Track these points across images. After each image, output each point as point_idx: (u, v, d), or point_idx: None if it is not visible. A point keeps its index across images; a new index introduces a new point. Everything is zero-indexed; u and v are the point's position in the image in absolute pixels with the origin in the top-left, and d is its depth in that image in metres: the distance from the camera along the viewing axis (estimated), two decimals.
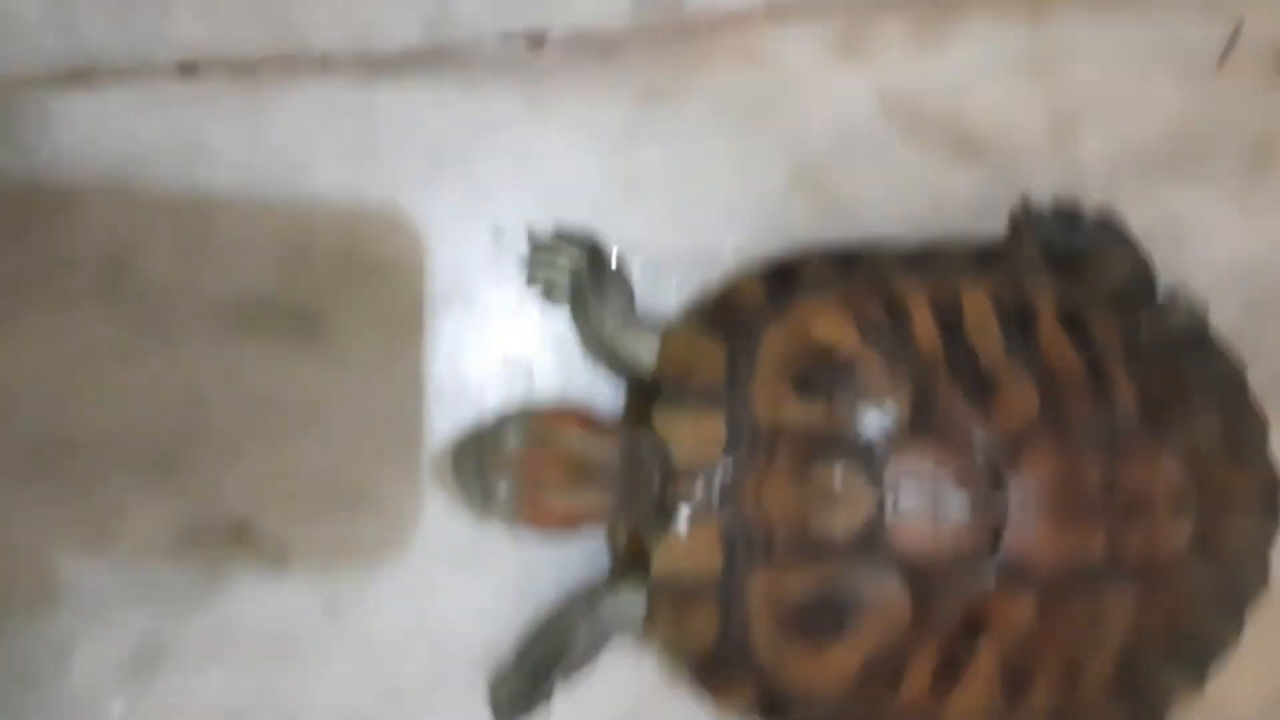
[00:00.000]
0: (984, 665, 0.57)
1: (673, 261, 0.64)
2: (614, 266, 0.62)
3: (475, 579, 0.63)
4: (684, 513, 0.55)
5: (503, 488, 0.54)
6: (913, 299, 0.58)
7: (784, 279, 0.59)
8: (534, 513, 0.55)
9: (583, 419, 0.56)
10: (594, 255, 0.62)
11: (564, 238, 0.63)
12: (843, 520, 0.54)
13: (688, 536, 0.55)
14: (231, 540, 0.61)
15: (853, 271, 0.60)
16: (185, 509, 0.61)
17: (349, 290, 0.62)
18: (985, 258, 0.62)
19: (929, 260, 0.61)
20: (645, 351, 0.59)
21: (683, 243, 0.64)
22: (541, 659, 0.60)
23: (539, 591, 0.62)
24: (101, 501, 0.61)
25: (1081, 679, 0.59)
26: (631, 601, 0.58)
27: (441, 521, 0.62)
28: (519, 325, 0.64)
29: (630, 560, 0.59)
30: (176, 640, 0.61)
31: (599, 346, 0.61)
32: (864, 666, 0.56)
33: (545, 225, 0.63)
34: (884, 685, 0.57)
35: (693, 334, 0.58)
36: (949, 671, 0.57)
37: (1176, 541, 0.59)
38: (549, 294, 0.63)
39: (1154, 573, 0.59)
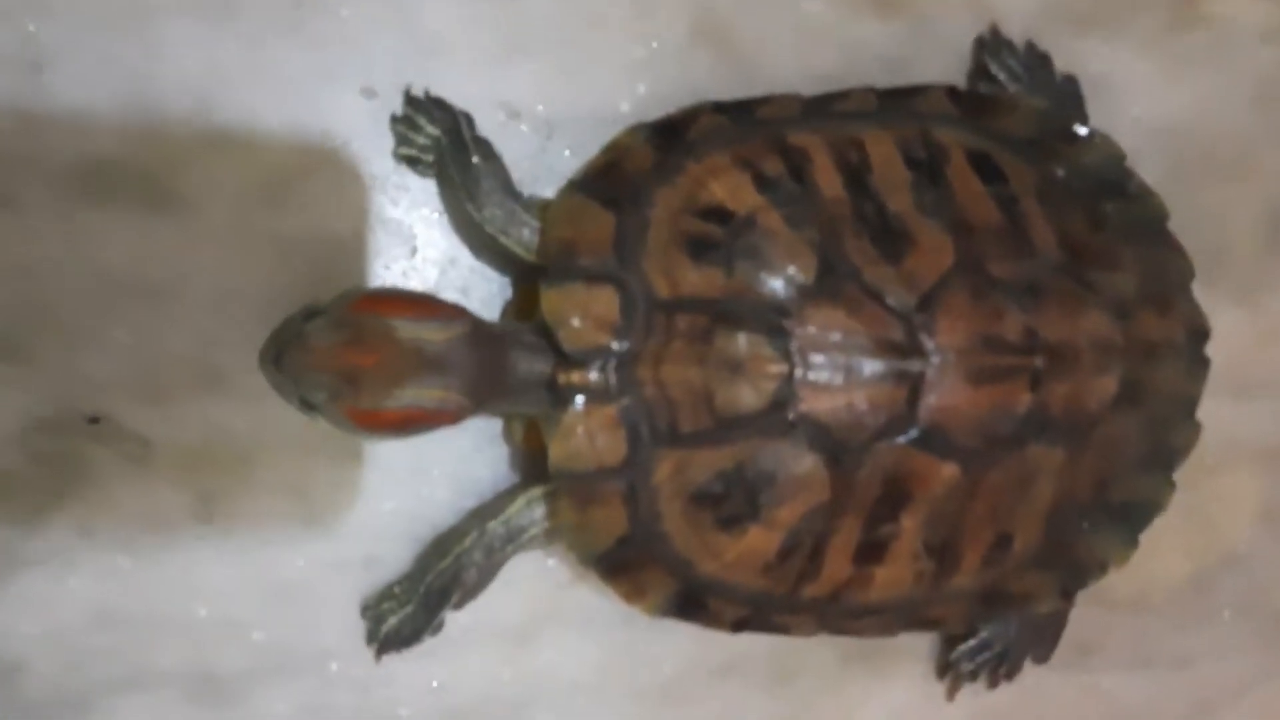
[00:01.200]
0: (908, 539, 0.54)
1: (564, 125, 0.58)
2: (481, 141, 0.55)
3: (360, 470, 0.57)
4: (579, 399, 0.50)
5: (317, 393, 0.46)
6: (813, 151, 0.54)
7: (672, 137, 0.54)
8: (361, 418, 0.46)
9: (413, 302, 0.48)
10: (457, 130, 0.55)
11: (425, 106, 0.56)
12: (750, 393, 0.50)
13: (585, 424, 0.50)
14: (87, 435, 0.54)
15: (747, 126, 0.55)
16: (31, 400, 0.54)
17: (205, 153, 0.55)
18: (889, 105, 0.58)
19: (828, 110, 0.57)
20: (526, 232, 0.54)
21: (575, 103, 0.58)
22: (433, 585, 0.55)
23: (433, 484, 0.58)
24: None
25: (1010, 548, 0.56)
26: (527, 509, 0.54)
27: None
28: (396, 195, 0.58)
29: (531, 459, 0.56)
30: (27, 548, 0.54)
31: (474, 231, 0.56)
32: (783, 547, 0.52)
33: (420, 84, 0.56)
34: (805, 566, 0.53)
35: (576, 204, 0.53)
36: (872, 548, 0.54)
37: (1103, 396, 0.56)
38: (416, 168, 0.56)
39: (1081, 430, 0.56)
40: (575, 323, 0.50)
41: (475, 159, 0.54)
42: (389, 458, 0.58)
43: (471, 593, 0.55)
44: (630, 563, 0.53)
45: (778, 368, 0.50)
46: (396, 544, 0.59)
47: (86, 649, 0.55)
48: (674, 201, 0.52)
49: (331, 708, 0.58)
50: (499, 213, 0.54)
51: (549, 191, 0.57)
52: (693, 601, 0.55)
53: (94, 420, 0.54)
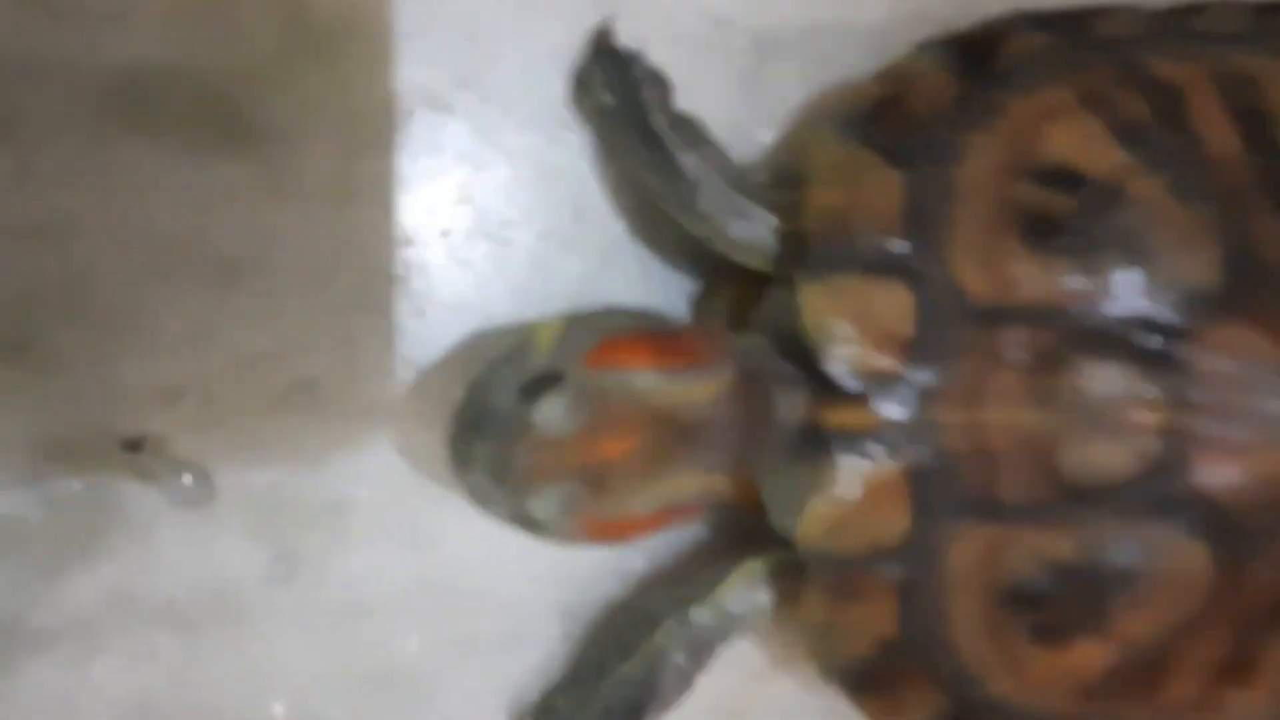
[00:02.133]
0: None
1: (786, 42, 0.45)
2: (683, 122, 0.41)
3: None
4: (848, 453, 0.36)
5: (547, 504, 0.34)
6: (1189, 88, 0.39)
7: (977, 62, 0.39)
8: (603, 531, 0.36)
9: (661, 345, 0.36)
10: (639, 107, 0.41)
11: (607, 62, 0.42)
12: (1117, 454, 0.35)
13: (855, 487, 0.36)
14: (123, 465, 0.42)
15: (1084, 49, 0.40)
16: (49, 417, 0.41)
17: (290, 64, 0.42)
18: (1268, 19, 0.42)
19: (1188, 29, 0.41)
20: (760, 230, 0.39)
21: (803, 9, 0.45)
22: (616, 696, 0.41)
23: None
24: None
25: None
26: (747, 593, 0.41)
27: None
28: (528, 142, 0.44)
29: (742, 520, 0.42)
30: (37, 622, 0.42)
31: (667, 227, 0.42)
32: (1116, 665, 0.38)
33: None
34: (1138, 689, 0.39)
35: (846, 157, 0.38)
36: (1240, 667, 0.39)
37: None
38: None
39: None
40: (848, 336, 0.36)
41: (678, 155, 0.40)
42: None
43: (666, 704, 0.41)
44: (888, 676, 0.39)
45: (1162, 418, 0.35)
46: (542, 619, 0.45)
47: None
48: (993, 155, 0.37)
49: None
50: (717, 212, 0.40)
51: (765, 134, 0.45)
52: None
53: (134, 445, 0.42)
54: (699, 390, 0.35)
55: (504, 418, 0.34)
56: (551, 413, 0.33)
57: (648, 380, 0.34)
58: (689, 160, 0.40)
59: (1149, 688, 0.39)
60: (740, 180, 0.40)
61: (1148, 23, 0.41)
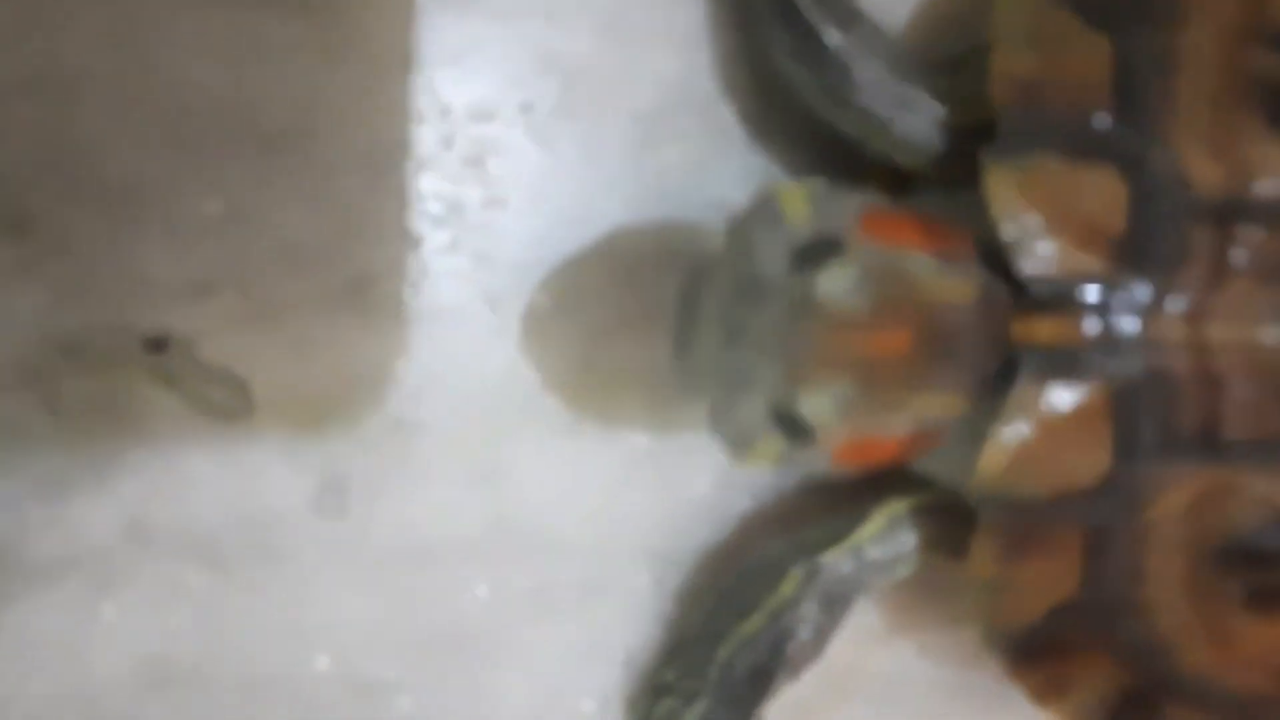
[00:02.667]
0: None
1: None
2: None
3: (570, 445, 0.39)
4: (1041, 374, 0.31)
5: (821, 403, 0.29)
6: None
7: None
8: (855, 451, 0.30)
9: (922, 221, 0.30)
10: None
11: None
12: None
13: (1046, 416, 0.31)
14: (146, 369, 0.36)
15: None
16: (61, 309, 0.36)
17: None
18: None
19: None
20: (925, 125, 0.34)
21: None
22: (740, 663, 0.36)
23: (692, 473, 0.40)
24: None
25: None
26: (891, 536, 0.36)
27: (498, 343, 0.38)
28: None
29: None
30: (41, 550, 0.36)
31: (830, 106, 0.36)
32: None
33: None
34: None
35: (1042, 14, 0.32)
36: None
37: None
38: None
39: None
40: (1046, 228, 0.30)
41: (825, 34, 0.34)
42: (622, 431, 0.39)
43: (797, 669, 0.36)
44: (1060, 644, 0.34)
45: None
46: (629, 567, 0.40)
47: (131, 717, 0.37)
48: (1222, 16, 0.32)
49: None
50: (880, 104, 0.34)
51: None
52: (1141, 706, 0.35)
53: (158, 345, 0.36)
54: (964, 289, 0.30)
55: (782, 288, 0.28)
56: (840, 286, 0.28)
57: (923, 265, 0.29)
58: (842, 42, 0.34)
59: None
60: (903, 64, 0.34)
61: None
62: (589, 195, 0.38)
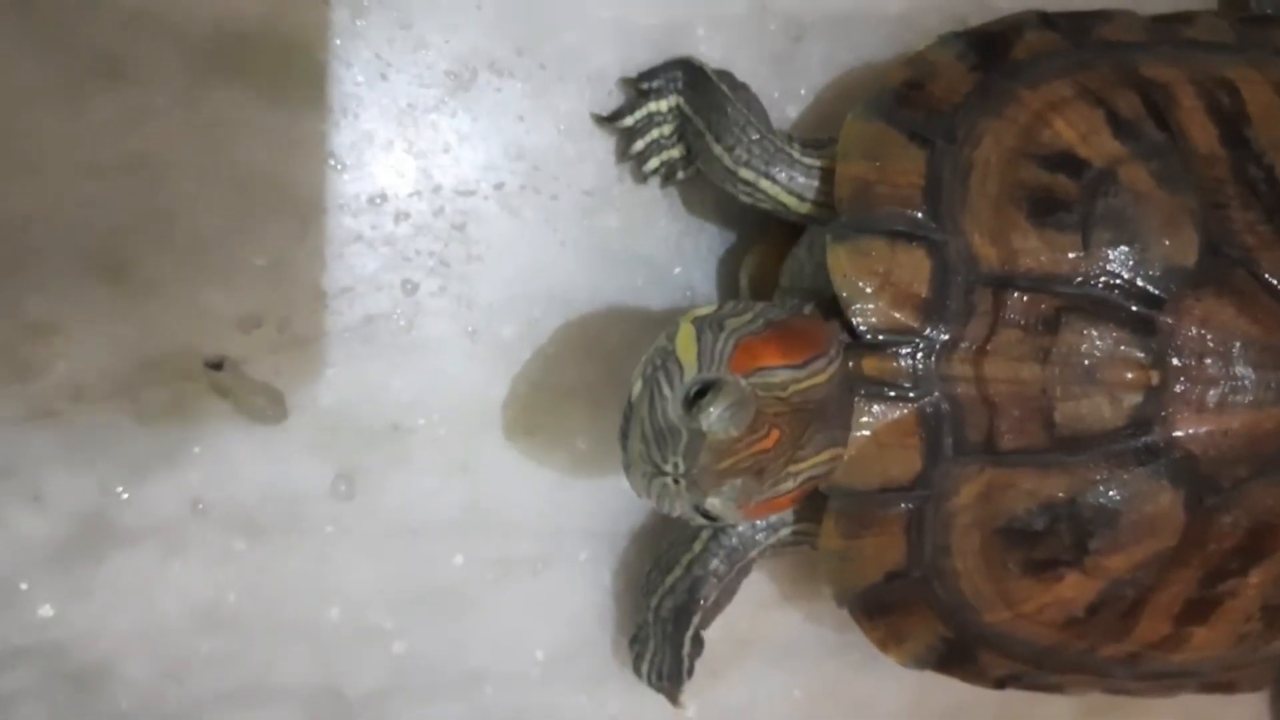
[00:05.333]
0: (1248, 598, 0.43)
1: (818, 25, 0.48)
2: (724, 74, 0.44)
3: (533, 445, 0.47)
4: (867, 397, 0.39)
5: (725, 499, 0.35)
6: (1176, 89, 0.42)
7: (993, 55, 0.42)
8: (760, 510, 0.38)
9: (789, 339, 0.37)
10: (691, 66, 0.44)
11: (647, 75, 0.45)
12: (1104, 407, 0.38)
13: (872, 428, 0.39)
14: (206, 384, 0.43)
15: (1087, 49, 0.43)
16: (141, 336, 0.43)
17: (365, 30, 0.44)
18: (1248, 35, 0.45)
19: (1177, 36, 0.45)
20: (796, 174, 0.42)
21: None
22: (664, 608, 0.45)
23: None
24: (21, 320, 0.42)
25: None
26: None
27: (474, 366, 0.46)
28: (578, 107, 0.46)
29: None
30: (124, 520, 0.43)
31: (729, 182, 0.44)
32: (1098, 600, 0.41)
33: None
34: (1115, 622, 0.42)
35: (875, 133, 0.40)
36: (1203, 606, 0.43)
37: None
38: (669, 174, 0.46)
39: None
40: (871, 292, 0.39)
41: (722, 87, 0.43)
42: (569, 437, 0.47)
43: (713, 612, 0.45)
44: (894, 603, 0.42)
45: (1144, 376, 0.38)
46: (572, 544, 0.48)
47: (190, 653, 0.45)
48: (1006, 139, 0.40)
49: None
50: (755, 151, 0.42)
51: (792, 110, 0.48)
52: (959, 654, 0.44)
53: (216, 365, 0.43)
54: (823, 374, 0.37)
55: (680, 433, 0.34)
56: (720, 421, 0.34)
57: (784, 375, 0.36)
58: (734, 100, 0.42)
59: (1124, 622, 0.42)
60: (775, 130, 0.43)
61: (1144, 27, 0.44)
62: (548, 253, 0.46)
